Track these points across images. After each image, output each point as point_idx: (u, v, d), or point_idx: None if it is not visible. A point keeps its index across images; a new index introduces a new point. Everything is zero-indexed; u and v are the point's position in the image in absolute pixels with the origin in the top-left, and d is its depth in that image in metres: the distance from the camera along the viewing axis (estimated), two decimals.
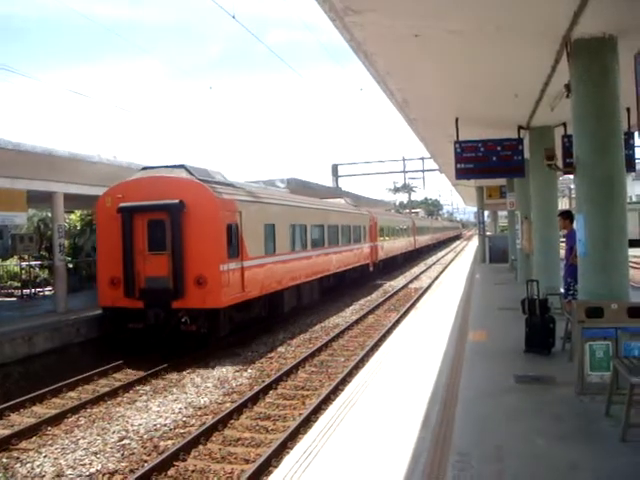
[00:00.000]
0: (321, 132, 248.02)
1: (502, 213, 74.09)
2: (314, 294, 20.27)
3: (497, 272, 24.32)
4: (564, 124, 11.33)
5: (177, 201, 13.11)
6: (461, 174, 11.95)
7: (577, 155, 7.10)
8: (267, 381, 10.94)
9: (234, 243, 13.89)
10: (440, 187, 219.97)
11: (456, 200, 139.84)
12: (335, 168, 51.00)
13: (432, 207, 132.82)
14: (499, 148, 11.62)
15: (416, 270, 35.90)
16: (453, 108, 11.22)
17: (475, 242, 53.17)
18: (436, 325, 12.28)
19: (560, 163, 8.81)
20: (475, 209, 46.73)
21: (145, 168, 14.58)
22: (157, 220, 13.40)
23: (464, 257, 40.29)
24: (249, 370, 12.11)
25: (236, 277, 13.84)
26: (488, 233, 50.02)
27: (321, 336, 15.61)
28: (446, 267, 34.99)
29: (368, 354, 12.45)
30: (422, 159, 51.51)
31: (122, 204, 13.56)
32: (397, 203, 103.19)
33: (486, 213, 62.60)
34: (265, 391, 10.45)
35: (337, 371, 11.78)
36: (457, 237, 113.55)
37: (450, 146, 12.09)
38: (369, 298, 22.98)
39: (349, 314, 19.13)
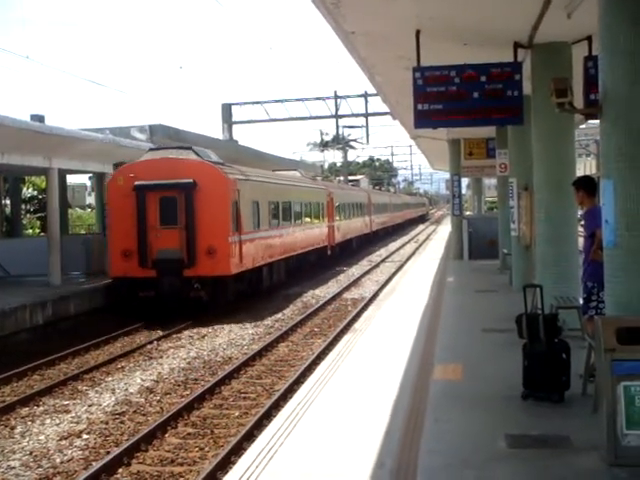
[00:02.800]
0: (208, 58, 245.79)
1: (490, 182, 76.60)
2: (281, 274, 29.19)
3: (481, 273, 24.80)
4: (588, 39, 11.53)
5: (191, 180, 21.80)
6: (423, 120, 12.01)
7: (606, 88, 7.16)
8: (114, 452, 10.64)
9: (235, 218, 22.82)
10: (393, 141, 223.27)
11: (418, 161, 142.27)
12: (227, 110, 50.68)
13: (381, 172, 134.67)
14: (484, 78, 11.77)
15: (355, 271, 36.19)
16: (412, 14, 11.20)
17: (447, 226, 54.16)
18: (384, 356, 12.30)
19: (580, 101, 8.93)
20: (447, 175, 47.59)
21: (152, 149, 24.15)
22: (169, 197, 21.90)
23: (430, 250, 40.98)
24: (84, 436, 11.79)
25: (237, 249, 22.81)
26: (468, 213, 51.13)
27: (203, 376, 15.44)
28: (402, 266, 35.45)
29: (278, 404, 12.35)
30: (365, 97, 52.01)
31: (138, 182, 21.91)
32: (325, 165, 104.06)
33: (465, 182, 64.39)
34: (110, 470, 10.16)
35: (228, 433, 11.64)
36: (422, 218, 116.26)
37: (407, 76, 12.10)
38: (279, 316, 22.93)
39: (247, 340, 19.03)
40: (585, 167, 64.73)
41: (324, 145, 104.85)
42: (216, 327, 20.95)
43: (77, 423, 12.47)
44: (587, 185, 9.82)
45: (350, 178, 74.41)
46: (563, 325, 9.65)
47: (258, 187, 26.13)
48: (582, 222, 10.37)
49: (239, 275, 23.29)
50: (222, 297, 22.63)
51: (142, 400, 13.78)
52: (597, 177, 9.57)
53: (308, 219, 34.25)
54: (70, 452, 11.06)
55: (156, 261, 22.12)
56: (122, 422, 12.47)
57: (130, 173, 22.46)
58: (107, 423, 12.43)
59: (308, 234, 33.67)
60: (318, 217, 36.45)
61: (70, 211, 45.89)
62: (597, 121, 7.61)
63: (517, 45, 12.21)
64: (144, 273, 22.09)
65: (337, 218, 40.92)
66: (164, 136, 29.42)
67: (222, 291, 22.62)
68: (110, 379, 15.43)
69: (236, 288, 23.51)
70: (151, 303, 22.09)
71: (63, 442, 11.52)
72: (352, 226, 46.25)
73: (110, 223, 23.29)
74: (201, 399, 13.51)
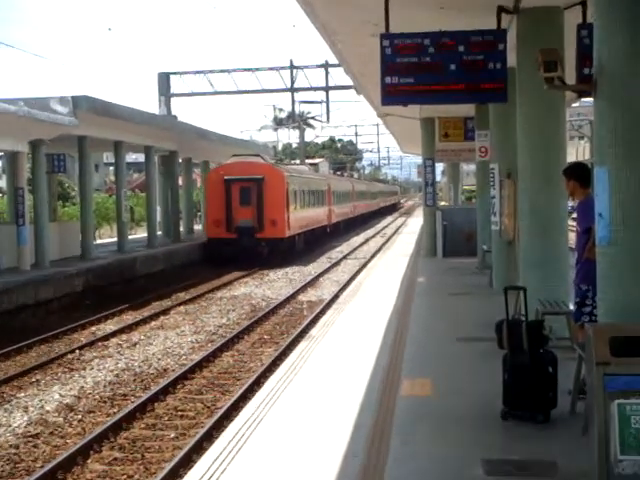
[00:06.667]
0: (142, 18, 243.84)
1: (468, 168, 76.90)
2: (302, 243, 44.86)
3: (457, 273, 24.89)
4: (582, 3, 11.57)
5: (261, 176, 39.17)
6: (392, 95, 12.00)
7: (601, 60, 7.19)
8: None
9: (286, 201, 40.24)
10: (358, 119, 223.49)
11: (386, 143, 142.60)
12: (164, 80, 50.40)
13: (344, 155, 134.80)
14: (462, 48, 11.80)
15: (313, 269, 36.25)
16: None
17: (419, 219, 54.39)
18: (344, 368, 12.32)
19: (573, 75, 8.96)
20: (419, 160, 47.69)
21: (235, 155, 41.83)
22: (246, 187, 39.02)
23: (399, 246, 41.11)
24: None
25: (286, 221, 40.03)
26: (442, 203, 51.10)
27: (134, 391, 15.37)
28: (366, 264, 35.54)
29: (220, 424, 12.32)
30: (325, 67, 51.98)
31: (226, 177, 39.17)
32: (279, 146, 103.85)
33: (439, 167, 63.87)
34: None
35: (162, 458, 11.58)
36: (393, 207, 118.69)
37: (374, 44, 12.10)
38: (223, 321, 22.88)
39: (186, 349, 18.96)
40: (578, 152, 65.23)
41: (278, 123, 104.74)
42: (150, 333, 20.86)
43: None
44: (580, 174, 9.87)
45: (308, 162, 74.43)
46: (550, 334, 9.71)
47: (296, 180, 44.22)
48: (574, 215, 10.44)
49: (287, 238, 40.14)
50: (278, 251, 39.01)
51: (60, 420, 13.61)
52: (591, 164, 9.62)
53: (318, 203, 51.33)
54: None
55: (237, 228, 38.68)
56: (36, 446, 12.31)
57: (221, 171, 40.40)
58: (18, 447, 12.25)
59: (318, 214, 51.26)
60: (322, 201, 53.44)
61: None
62: (591, 99, 7.65)
63: (501, 10, 12.23)
64: (229, 235, 38.54)
65: (333, 203, 57.87)
66: (89, 110, 29.10)
67: (279, 247, 39.11)
68: (22, 395, 15.20)
69: (287, 247, 40.15)
70: (232, 256, 37.38)
71: None
72: (342, 210, 63.45)
73: (207, 203, 41.17)
74: (131, 418, 13.38)
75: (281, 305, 25.32)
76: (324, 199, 54.30)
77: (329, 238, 54.69)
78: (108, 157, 78.86)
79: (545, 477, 7.39)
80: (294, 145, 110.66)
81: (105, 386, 15.76)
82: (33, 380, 16.42)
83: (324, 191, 54.43)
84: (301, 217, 44.39)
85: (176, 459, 11.03)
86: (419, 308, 18.28)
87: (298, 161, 73.36)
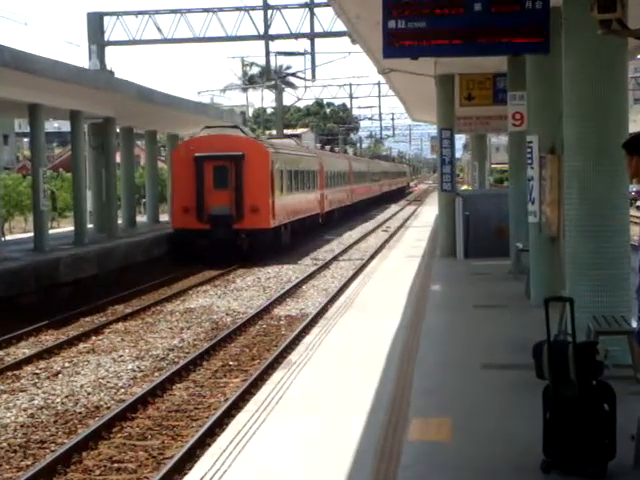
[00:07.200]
0: None
1: (499, 141, 76.75)
2: (288, 235, 47.68)
3: (483, 279, 24.96)
4: None
5: (240, 153, 41.92)
6: (398, 45, 12.00)
7: None
8: None
9: (271, 184, 43.50)
10: (353, 77, 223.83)
11: (390, 107, 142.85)
12: (96, 22, 50.44)
13: (334, 124, 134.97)
14: None
15: (293, 274, 36.40)
16: None
17: (433, 208, 54.52)
18: (333, 404, 12.34)
19: (637, 18, 8.97)
20: (434, 130, 47.73)
21: (207, 127, 45.44)
22: (222, 166, 41.87)
23: (407, 243, 41.16)
24: None
25: (271, 208, 43.10)
26: (464, 188, 51.00)
27: (55, 437, 15.27)
28: (364, 266, 35.57)
29: None
30: (309, 7, 51.93)
31: (197, 154, 41.76)
32: (249, 112, 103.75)
33: (460, 140, 64.07)
34: None
35: None
36: (400, 194, 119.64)
37: None
38: (175, 342, 22.85)
39: (125, 380, 18.92)
40: None
41: (248, 81, 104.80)
42: (77, 359, 20.82)
43: None
44: None
45: (287, 132, 74.49)
46: (605, 360, 9.69)
47: (283, 157, 47.25)
48: (638, 203, 10.39)
49: (272, 229, 42.72)
50: (261, 245, 41.58)
51: None
52: None
53: (308, 187, 54.92)
54: None
55: (210, 216, 41.04)
56: None
57: (190, 146, 42.92)
58: None
59: (309, 200, 54.88)
60: (313, 185, 57.05)
61: None
62: None
63: None
64: (201, 225, 40.91)
65: (326, 187, 61.78)
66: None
67: (261, 240, 41.61)
68: None
69: (272, 240, 42.71)
70: (204, 251, 40.21)
71: None
72: (337, 197, 67.63)
73: (174, 186, 43.71)
74: (50, 473, 13.25)
75: (251, 321, 25.36)
76: (315, 182, 57.53)
77: (320, 231, 55.66)
78: (21, 125, 78.74)
79: None
80: (269, 110, 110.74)
81: (16, 430, 15.65)
82: None
83: (315, 171, 57.88)
84: (288, 204, 47.29)
85: None
86: (433, 325, 18.34)
87: (275, 132, 73.45)
